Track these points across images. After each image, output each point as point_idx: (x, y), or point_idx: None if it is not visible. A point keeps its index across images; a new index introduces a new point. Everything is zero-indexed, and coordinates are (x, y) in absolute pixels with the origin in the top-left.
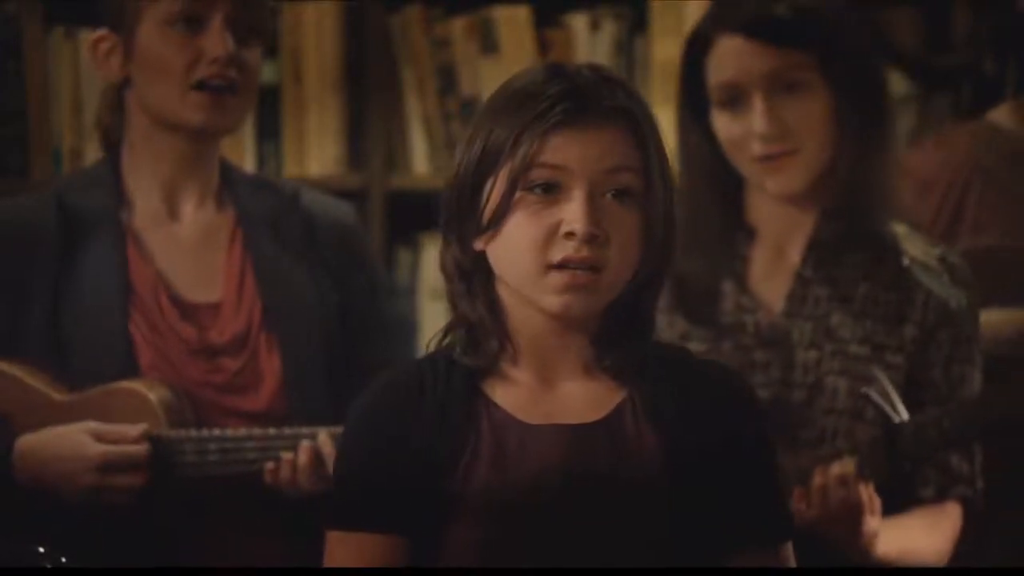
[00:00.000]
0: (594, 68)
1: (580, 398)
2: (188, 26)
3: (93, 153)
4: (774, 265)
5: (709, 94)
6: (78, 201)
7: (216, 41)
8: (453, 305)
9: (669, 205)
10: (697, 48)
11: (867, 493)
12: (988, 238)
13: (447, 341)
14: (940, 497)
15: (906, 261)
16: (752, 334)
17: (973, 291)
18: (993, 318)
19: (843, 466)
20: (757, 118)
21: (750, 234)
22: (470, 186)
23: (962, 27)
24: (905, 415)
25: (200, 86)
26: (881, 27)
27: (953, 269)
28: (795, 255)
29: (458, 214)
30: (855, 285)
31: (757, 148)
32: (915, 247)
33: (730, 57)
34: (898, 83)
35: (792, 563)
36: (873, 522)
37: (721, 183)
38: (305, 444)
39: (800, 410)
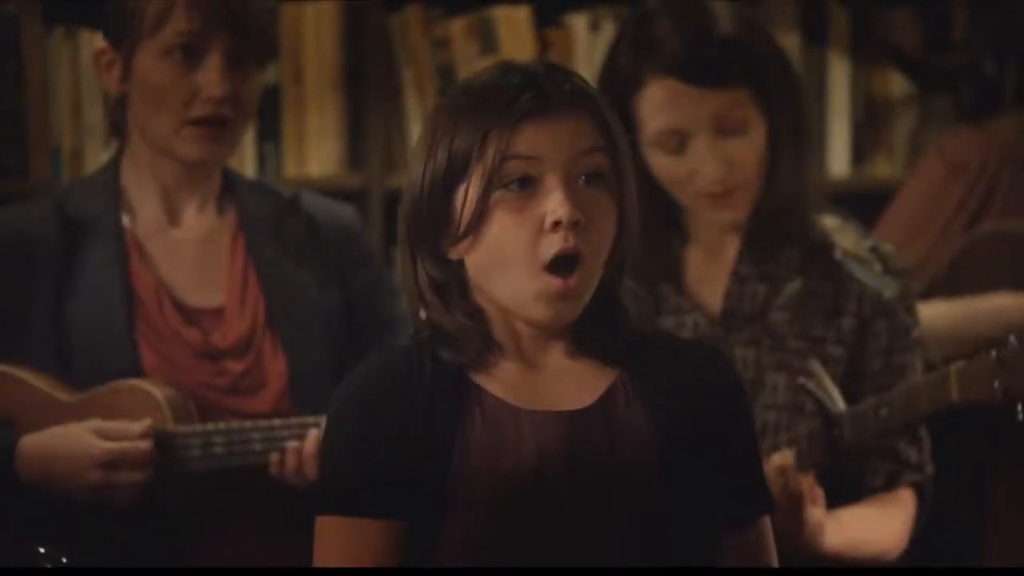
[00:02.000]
0: (544, 62)
1: (571, 383)
2: (186, 59)
3: (93, 153)
4: (709, 265)
5: (641, 131)
6: (79, 207)
7: (213, 80)
8: (426, 317)
9: (632, 183)
10: (625, 86)
11: (808, 484)
12: (1008, 222)
13: (422, 336)
14: (890, 485)
15: (839, 255)
16: (691, 334)
17: (906, 280)
18: (1004, 302)
19: (782, 457)
20: (705, 163)
21: (684, 236)
22: (440, 196)
23: (961, 27)
24: (842, 405)
25: (194, 122)
26: (880, 28)
27: (886, 259)
28: (730, 254)
29: (428, 226)
30: (790, 280)
31: (705, 187)
32: (847, 240)
33: (666, 103)
34: (898, 84)
35: (771, 537)
36: (816, 513)
37: (651, 190)
38: (312, 432)
39: None
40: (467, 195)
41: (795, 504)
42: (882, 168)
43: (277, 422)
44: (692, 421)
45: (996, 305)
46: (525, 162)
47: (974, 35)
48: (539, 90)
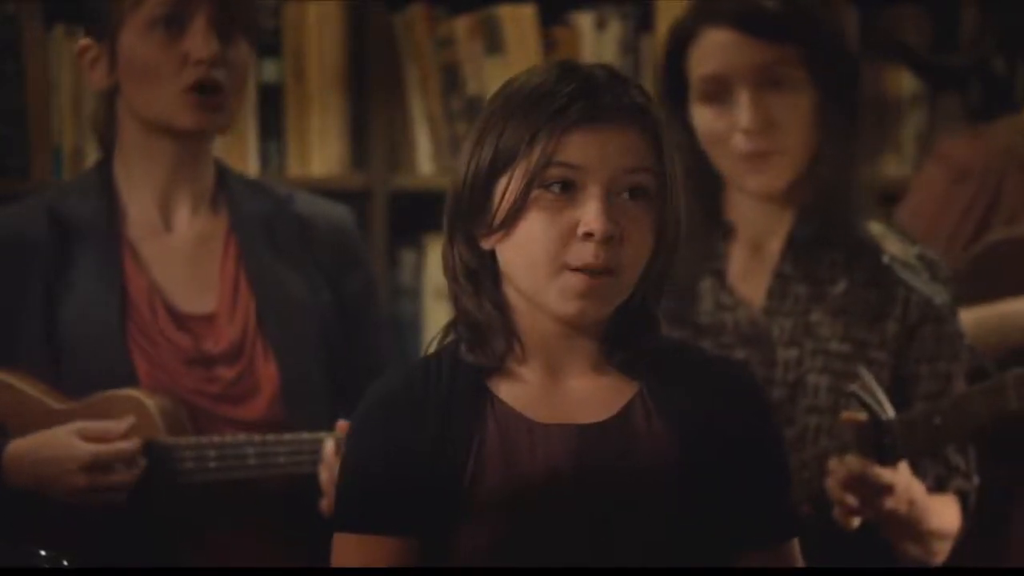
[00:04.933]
0: (605, 67)
1: (590, 395)
2: (170, 28)
3: (94, 153)
4: (753, 262)
5: (690, 88)
6: (71, 210)
7: (199, 42)
8: (456, 305)
9: (679, 203)
10: (681, 40)
11: (885, 476)
12: (1021, 229)
13: (448, 339)
14: (939, 488)
15: (886, 258)
16: (732, 332)
17: (952, 288)
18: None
19: (846, 465)
20: (743, 112)
21: (728, 231)
22: (481, 186)
23: (971, 26)
24: (892, 412)
25: (188, 90)
26: (889, 26)
27: (933, 267)
28: (774, 252)
29: (466, 214)
30: (834, 282)
31: (741, 144)
32: (893, 246)
33: (716, 49)
34: (906, 83)
35: (799, 562)
36: (898, 500)
37: (699, 180)
38: (329, 444)
39: (781, 409)
40: (507, 189)
41: (879, 499)
42: (891, 167)
43: (271, 437)
44: (714, 440)
45: (1021, 310)
46: (569, 169)
47: (983, 34)
48: (593, 100)
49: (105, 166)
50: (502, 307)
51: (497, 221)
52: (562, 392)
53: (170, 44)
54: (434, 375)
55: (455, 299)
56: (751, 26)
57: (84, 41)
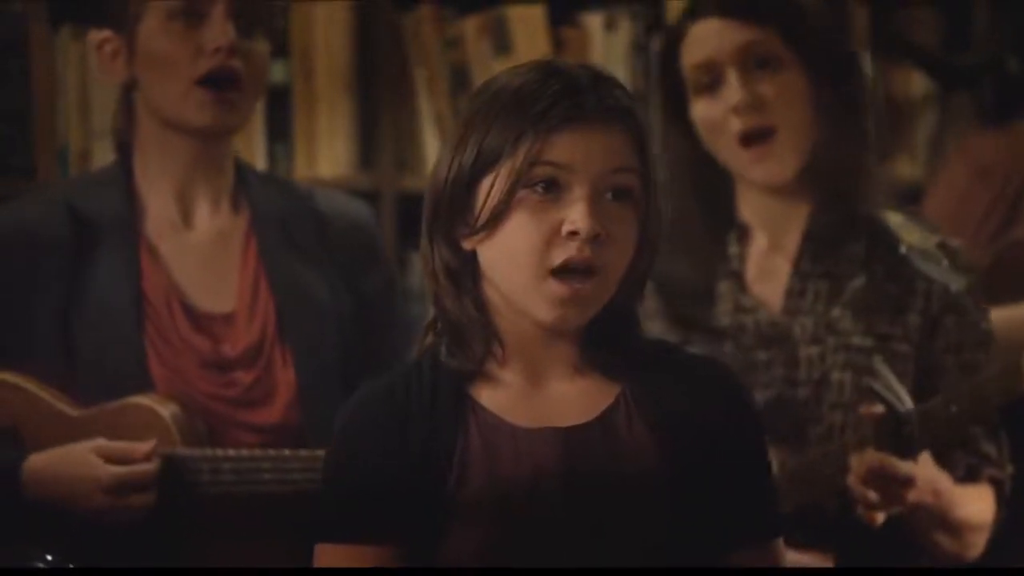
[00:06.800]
0: (588, 68)
1: (571, 398)
2: (189, 19)
3: (101, 154)
4: (770, 262)
5: (687, 84)
6: (89, 207)
7: (217, 31)
8: (437, 305)
9: (661, 204)
10: (673, 43)
11: (904, 468)
12: None
13: (428, 341)
14: (971, 478)
15: (903, 249)
16: (753, 334)
17: (975, 276)
18: None
19: (864, 461)
20: (733, 91)
21: (743, 232)
22: (463, 187)
23: (983, 26)
24: (910, 404)
25: (204, 82)
26: (900, 26)
27: (954, 255)
28: (790, 251)
29: (448, 214)
30: (853, 277)
31: (735, 124)
32: (912, 235)
33: (703, 38)
34: (918, 83)
35: (784, 560)
36: (923, 492)
37: (708, 181)
38: None
39: (806, 407)
40: (491, 190)
41: (900, 492)
42: (903, 168)
43: (287, 452)
44: (697, 440)
45: None
46: (554, 169)
47: (995, 34)
48: (578, 100)
49: (124, 162)
50: (483, 307)
51: (481, 222)
52: (543, 396)
53: (188, 35)
54: (415, 383)
55: (436, 300)
56: (732, 9)
57: (104, 33)
